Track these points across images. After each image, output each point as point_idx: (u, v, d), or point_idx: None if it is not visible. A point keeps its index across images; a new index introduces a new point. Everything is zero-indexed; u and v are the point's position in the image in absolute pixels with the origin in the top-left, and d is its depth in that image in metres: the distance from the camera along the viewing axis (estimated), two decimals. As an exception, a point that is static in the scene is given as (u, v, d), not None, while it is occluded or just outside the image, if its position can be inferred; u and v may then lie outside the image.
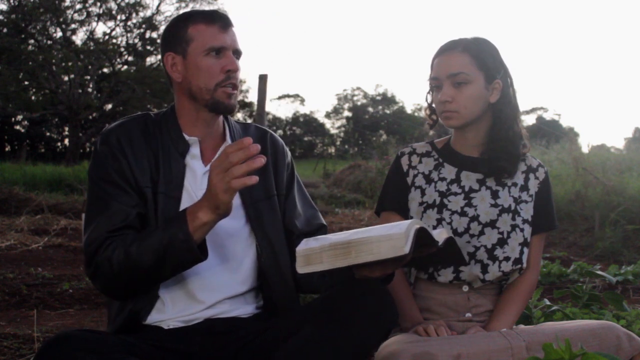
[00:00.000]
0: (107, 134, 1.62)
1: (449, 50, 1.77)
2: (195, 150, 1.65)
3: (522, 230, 1.80)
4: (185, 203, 1.60)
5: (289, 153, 1.82)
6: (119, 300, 1.59)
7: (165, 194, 1.60)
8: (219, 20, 1.62)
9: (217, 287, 1.62)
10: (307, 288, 1.76)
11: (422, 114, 1.95)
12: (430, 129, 1.92)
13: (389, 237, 1.31)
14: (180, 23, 1.64)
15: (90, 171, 1.61)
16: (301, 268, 1.37)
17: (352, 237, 1.35)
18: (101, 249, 1.52)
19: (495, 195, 1.81)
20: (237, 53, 1.64)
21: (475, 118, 1.78)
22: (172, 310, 1.61)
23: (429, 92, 1.85)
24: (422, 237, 1.41)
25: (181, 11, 26.28)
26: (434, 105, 1.85)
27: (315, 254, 1.36)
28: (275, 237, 1.69)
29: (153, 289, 1.59)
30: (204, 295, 1.61)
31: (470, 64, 1.74)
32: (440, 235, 1.51)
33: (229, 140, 1.69)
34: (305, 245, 1.38)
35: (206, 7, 24.49)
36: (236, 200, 1.66)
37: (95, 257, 1.52)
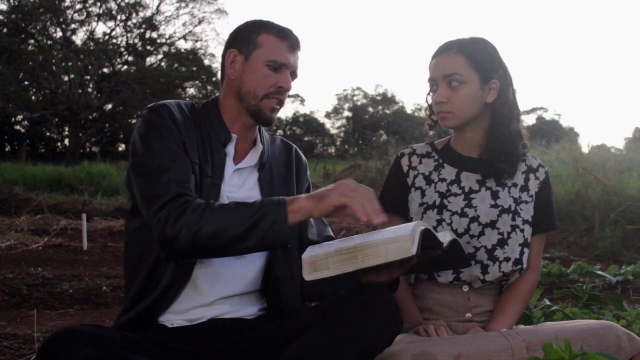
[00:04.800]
0: (157, 107, 1.61)
1: (444, 51, 1.77)
2: (231, 147, 1.68)
3: (522, 230, 1.80)
4: (222, 195, 1.62)
5: (308, 170, 1.87)
6: (167, 257, 1.50)
7: (211, 179, 1.61)
8: (291, 40, 1.67)
9: (224, 283, 1.62)
10: (311, 295, 1.75)
11: (422, 114, 1.95)
12: (431, 130, 1.92)
13: (395, 240, 1.31)
14: (255, 28, 1.67)
15: (143, 137, 1.56)
16: (308, 275, 1.36)
17: (357, 241, 1.35)
18: (178, 201, 1.47)
19: (495, 195, 1.81)
20: (294, 75, 1.69)
21: (471, 118, 1.78)
22: (176, 303, 1.60)
23: (429, 93, 1.85)
24: (427, 238, 1.40)
25: (181, 12, 26.09)
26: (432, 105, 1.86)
27: (321, 260, 1.35)
28: (291, 242, 1.68)
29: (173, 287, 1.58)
30: (209, 289, 1.61)
31: (465, 65, 1.74)
32: (445, 237, 1.51)
33: (259, 146, 1.72)
34: (310, 252, 1.37)
35: (206, 7, 24.55)
36: None
37: (167, 205, 1.47)
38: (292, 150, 1.84)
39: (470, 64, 1.75)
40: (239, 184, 1.68)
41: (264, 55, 1.63)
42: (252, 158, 1.71)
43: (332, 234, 1.83)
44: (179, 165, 1.53)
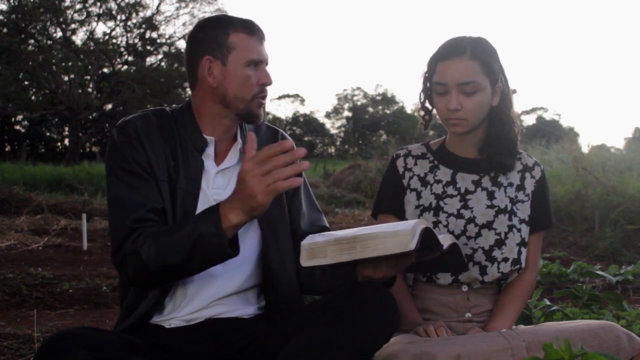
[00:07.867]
0: (124, 124, 1.62)
1: (457, 55, 1.71)
2: (210, 150, 1.66)
3: (519, 230, 1.80)
4: (202, 202, 1.61)
5: None
6: (147, 290, 1.57)
7: (184, 190, 1.60)
8: (258, 32, 1.65)
9: (219, 282, 1.62)
10: (308, 289, 1.75)
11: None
12: (425, 130, 1.91)
13: (395, 234, 1.32)
14: (220, 28, 1.63)
15: (108, 161, 1.60)
16: (305, 262, 1.38)
17: (358, 232, 1.36)
18: (129, 240, 1.50)
19: (491, 196, 1.81)
20: (267, 65, 1.68)
21: (480, 123, 1.77)
22: (172, 306, 1.61)
23: (422, 91, 1.83)
24: (427, 237, 1.41)
25: (181, 12, 25.99)
26: (428, 105, 1.84)
27: (319, 248, 1.37)
28: (282, 232, 1.69)
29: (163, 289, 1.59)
30: (205, 290, 1.61)
31: (480, 72, 1.71)
32: (445, 240, 1.51)
33: (239, 141, 1.70)
34: (311, 240, 1.39)
35: (206, 7, 24.52)
36: None
37: (122, 248, 1.51)
38: (278, 135, 1.80)
39: (484, 70, 1.71)
40: (224, 185, 1.66)
41: (241, 56, 1.61)
42: (233, 156, 1.69)
43: (326, 223, 1.81)
44: (136, 197, 1.55)
